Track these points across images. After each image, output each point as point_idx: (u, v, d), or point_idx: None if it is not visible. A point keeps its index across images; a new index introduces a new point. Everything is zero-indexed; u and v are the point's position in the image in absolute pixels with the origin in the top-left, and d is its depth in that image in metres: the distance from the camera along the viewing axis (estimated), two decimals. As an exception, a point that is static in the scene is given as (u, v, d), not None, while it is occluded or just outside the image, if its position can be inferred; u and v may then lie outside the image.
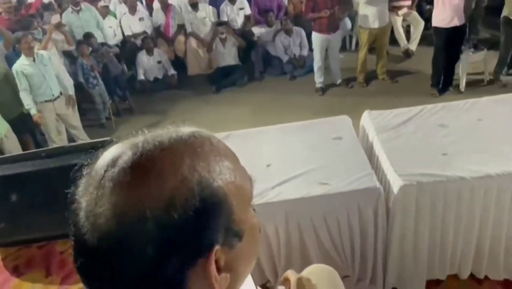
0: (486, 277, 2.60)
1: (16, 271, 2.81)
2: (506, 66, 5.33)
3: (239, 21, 6.79)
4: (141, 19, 6.70)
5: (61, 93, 4.72)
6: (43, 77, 4.53)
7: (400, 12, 6.21)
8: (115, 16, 6.83)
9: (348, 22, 6.59)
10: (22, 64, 4.49)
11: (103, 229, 0.52)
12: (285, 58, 6.42)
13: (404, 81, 5.82)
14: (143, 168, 0.53)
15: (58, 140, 4.78)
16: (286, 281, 1.25)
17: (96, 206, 0.53)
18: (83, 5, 6.26)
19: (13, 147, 4.43)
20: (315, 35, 5.57)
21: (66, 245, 2.19)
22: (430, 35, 5.32)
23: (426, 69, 5.37)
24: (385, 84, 5.79)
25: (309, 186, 2.54)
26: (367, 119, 2.98)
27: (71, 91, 4.90)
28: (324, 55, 5.66)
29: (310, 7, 5.38)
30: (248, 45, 6.55)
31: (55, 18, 6.22)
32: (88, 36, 5.77)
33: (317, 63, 5.70)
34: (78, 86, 5.45)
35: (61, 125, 4.85)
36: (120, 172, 0.53)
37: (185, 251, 0.53)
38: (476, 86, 5.31)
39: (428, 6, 6.53)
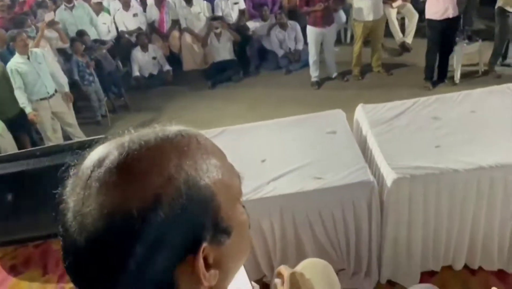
0: (480, 268, 2.63)
1: (14, 270, 2.83)
2: (501, 57, 5.34)
3: (233, 16, 6.77)
4: (135, 15, 6.67)
5: (56, 91, 4.71)
6: (38, 75, 4.51)
7: (395, 5, 6.20)
8: (108, 12, 6.79)
9: (342, 15, 6.58)
10: (16, 62, 4.48)
11: (90, 229, 0.52)
12: (280, 53, 6.41)
13: (400, 73, 5.82)
14: (129, 167, 0.54)
15: (54, 138, 4.78)
16: (279, 276, 1.26)
17: (83, 206, 0.53)
18: (76, 2, 6.22)
19: (9, 145, 4.43)
20: (309, 29, 5.56)
21: (62, 244, 2.19)
22: (425, 27, 5.32)
23: (421, 62, 5.36)
24: (380, 77, 5.79)
25: (304, 181, 2.55)
26: (361, 112, 2.98)
27: (67, 89, 4.90)
28: (319, 48, 5.65)
29: (305, 0, 5.37)
30: (243, 39, 6.54)
31: (49, 16, 6.20)
32: (81, 33, 5.74)
33: (312, 57, 5.70)
34: (72, 84, 5.45)
35: (57, 123, 4.84)
36: (106, 172, 0.54)
37: (173, 249, 0.53)
38: (471, 77, 5.31)
39: (422, -2, 6.52)
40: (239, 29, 6.63)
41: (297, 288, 1.19)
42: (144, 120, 5.60)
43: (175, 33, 6.76)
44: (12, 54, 4.67)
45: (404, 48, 6.30)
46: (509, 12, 4.87)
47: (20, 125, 4.74)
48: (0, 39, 5.30)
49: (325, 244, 2.60)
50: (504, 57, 5.38)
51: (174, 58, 6.76)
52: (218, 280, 0.59)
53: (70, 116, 4.94)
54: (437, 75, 5.26)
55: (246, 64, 6.55)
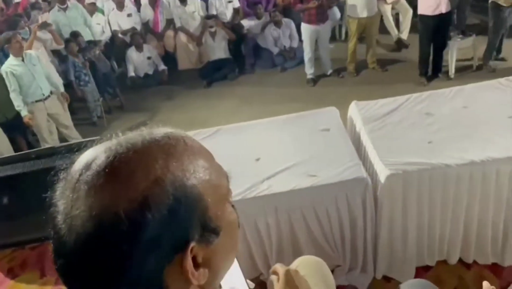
0: (474, 262, 2.64)
1: (11, 273, 2.84)
2: (495, 51, 5.35)
3: (228, 14, 6.77)
4: (129, 15, 6.67)
5: (51, 93, 4.71)
6: (33, 77, 4.51)
7: (389, 1, 6.20)
8: (102, 12, 6.79)
9: (337, 12, 6.58)
10: (11, 64, 4.47)
11: (79, 231, 0.53)
12: (275, 50, 6.41)
13: (395, 69, 5.83)
14: (116, 170, 0.55)
15: (50, 140, 4.78)
16: (274, 274, 1.28)
17: (72, 209, 0.54)
18: (70, 3, 6.21)
19: (4, 148, 4.44)
20: (304, 26, 5.56)
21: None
22: (419, 22, 5.33)
23: (416, 57, 5.37)
24: (375, 73, 5.80)
25: (298, 179, 2.57)
26: (354, 110, 3.00)
27: (62, 90, 4.90)
28: (314, 46, 5.66)
29: (299, -2, 5.38)
30: (238, 38, 6.54)
31: (44, 17, 6.19)
32: (75, 34, 5.73)
33: (307, 54, 5.70)
34: (68, 85, 5.45)
35: (52, 125, 4.84)
36: (94, 175, 0.55)
37: (161, 249, 0.54)
38: (465, 72, 5.33)
39: (416, -6, 6.52)
40: (234, 27, 6.64)
41: (292, 285, 1.21)
42: (140, 120, 5.61)
43: (170, 33, 6.76)
44: (6, 56, 4.66)
45: (401, 44, 6.30)
46: (502, 6, 4.88)
47: (16, 127, 4.75)
48: (-6, 41, 5.30)
49: (321, 241, 2.62)
50: (498, 51, 5.40)
51: (169, 58, 6.76)
52: (207, 278, 0.60)
53: (65, 118, 4.94)
54: (432, 70, 5.28)
55: (241, 62, 6.56)
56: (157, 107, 5.87)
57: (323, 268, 1.68)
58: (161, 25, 6.76)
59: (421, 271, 2.66)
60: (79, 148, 0.62)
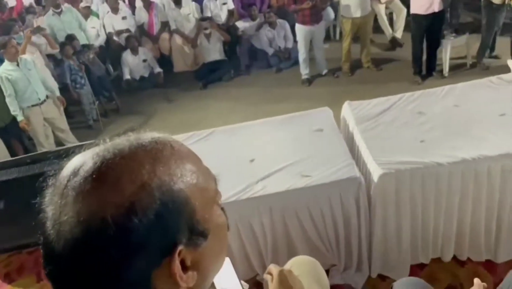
0: (468, 259, 2.66)
1: (8, 278, 2.85)
2: (488, 49, 5.38)
3: (222, 16, 6.78)
4: (124, 18, 6.67)
5: (47, 97, 4.72)
6: (28, 81, 4.51)
7: (383, 0, 6.23)
8: (97, 16, 6.79)
9: (331, 12, 6.60)
10: (6, 69, 4.47)
11: (68, 237, 0.54)
12: (270, 51, 6.43)
13: (389, 68, 5.86)
14: (103, 176, 0.56)
15: (46, 144, 4.78)
16: (269, 275, 1.29)
17: (60, 215, 0.55)
18: (64, 7, 6.21)
19: (1, 153, 4.44)
20: (298, 27, 5.59)
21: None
22: (413, 21, 5.34)
23: (410, 56, 5.39)
24: (370, 72, 5.82)
25: (292, 179, 2.58)
26: (347, 110, 3.02)
27: (58, 93, 4.90)
28: (308, 46, 5.68)
29: (292, -1, 5.40)
30: (233, 39, 6.56)
31: (38, 22, 6.20)
32: (70, 38, 5.74)
33: (302, 55, 5.72)
34: (63, 89, 5.45)
35: (48, 129, 4.85)
36: (81, 181, 0.56)
37: (149, 253, 0.55)
38: (460, 70, 5.36)
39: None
40: (228, 29, 6.65)
41: (285, 284, 1.22)
42: (136, 123, 5.62)
43: (165, 35, 6.77)
44: (1, 61, 4.67)
45: (395, 43, 6.33)
46: (495, 4, 4.91)
47: (12, 132, 4.75)
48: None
49: (316, 241, 2.63)
50: (492, 49, 5.42)
51: (164, 60, 6.76)
52: (196, 281, 0.61)
53: (62, 122, 4.94)
54: (426, 69, 5.30)
55: (236, 63, 6.57)
56: (153, 110, 5.88)
57: (317, 267, 1.70)
58: (156, 28, 6.77)
59: (416, 269, 2.68)
60: (67, 154, 0.64)
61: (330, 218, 2.57)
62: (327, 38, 6.61)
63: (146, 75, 6.50)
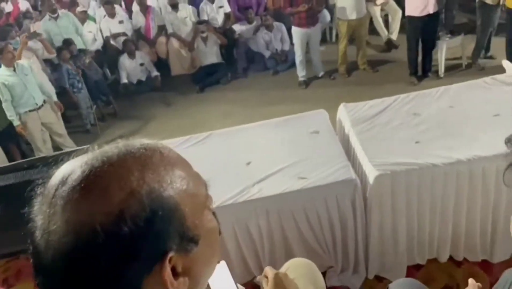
0: (464, 259, 2.67)
1: (6, 283, 2.85)
2: (483, 50, 5.40)
3: (219, 20, 6.80)
4: (121, 22, 6.67)
5: (44, 102, 4.72)
6: (25, 86, 4.51)
7: (378, 2, 6.25)
8: (94, 20, 6.79)
9: (327, 15, 6.62)
10: (2, 74, 4.47)
11: (56, 246, 0.54)
12: (267, 54, 6.45)
13: (385, 70, 5.88)
14: (91, 184, 0.56)
15: (44, 149, 4.78)
16: (264, 278, 1.30)
17: (49, 224, 0.55)
18: (61, 12, 6.22)
19: (-1, 158, 4.45)
20: (295, 30, 5.60)
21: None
22: (409, 23, 5.36)
23: (406, 57, 5.41)
24: (366, 74, 5.84)
25: (289, 181, 2.59)
26: (343, 112, 3.03)
27: (55, 98, 4.91)
28: (305, 48, 5.70)
29: (288, 1, 5.40)
30: (230, 42, 6.57)
31: (35, 27, 6.20)
32: (67, 42, 5.75)
33: (298, 57, 5.74)
34: (61, 93, 5.46)
35: (46, 133, 4.85)
36: (70, 190, 0.56)
37: (139, 261, 0.55)
38: (455, 71, 5.38)
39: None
40: (225, 32, 6.67)
41: (281, 287, 1.23)
42: (134, 127, 5.63)
43: (162, 39, 6.78)
44: (-2, 67, 4.67)
45: (391, 44, 6.35)
46: (490, 5, 4.94)
47: (9, 137, 4.75)
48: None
49: (312, 243, 2.64)
50: (487, 49, 5.45)
51: (161, 64, 6.77)
52: (188, 287, 0.61)
53: (59, 126, 4.94)
54: (422, 70, 5.33)
55: (233, 66, 6.59)
56: (151, 114, 5.88)
57: (313, 270, 1.70)
58: (153, 32, 6.78)
59: (412, 270, 2.69)
60: (56, 161, 0.63)
61: (327, 220, 2.58)
62: (323, 40, 6.63)
63: (143, 78, 6.50)
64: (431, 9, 4.77)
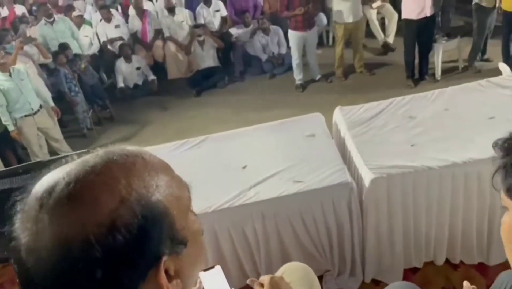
0: (461, 262, 2.67)
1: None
2: (480, 52, 5.42)
3: (216, 23, 6.81)
4: (117, 26, 6.68)
5: (41, 107, 4.70)
6: (20, 91, 4.48)
7: (374, 5, 6.27)
8: (90, 25, 6.79)
9: (324, 18, 6.65)
10: (-2, 79, 4.47)
11: (47, 262, 0.52)
12: (264, 57, 6.46)
13: (382, 73, 5.89)
14: (79, 196, 0.54)
15: (40, 154, 4.76)
16: (261, 285, 1.29)
17: (36, 242, 0.53)
18: (57, 16, 6.22)
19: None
20: (291, 33, 5.61)
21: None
22: (405, 26, 5.38)
23: (403, 61, 5.42)
24: (363, 77, 5.85)
25: (284, 185, 2.58)
26: (339, 115, 3.03)
27: (52, 103, 4.89)
28: (301, 52, 5.70)
29: (285, 5, 5.42)
30: (226, 46, 6.58)
31: (31, 31, 6.19)
32: (63, 47, 5.75)
33: (295, 61, 5.74)
34: (57, 98, 5.45)
35: (42, 138, 4.83)
36: (56, 203, 0.54)
37: (134, 268, 0.55)
38: (452, 74, 5.39)
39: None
40: (222, 36, 6.68)
41: (277, 290, 1.23)
42: (131, 131, 5.62)
43: (159, 43, 6.79)
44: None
45: (387, 48, 6.37)
46: (486, 8, 4.96)
47: (5, 141, 4.73)
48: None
49: (309, 247, 2.63)
50: (483, 52, 5.46)
51: (158, 68, 6.77)
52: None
53: (56, 131, 4.92)
54: (418, 73, 5.34)
55: (230, 70, 6.59)
56: (147, 118, 5.88)
57: (309, 274, 1.70)
58: (149, 36, 6.78)
59: (409, 273, 2.68)
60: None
61: (323, 224, 2.57)
62: (320, 43, 6.65)
63: (140, 82, 6.50)
64: (427, 12, 4.78)
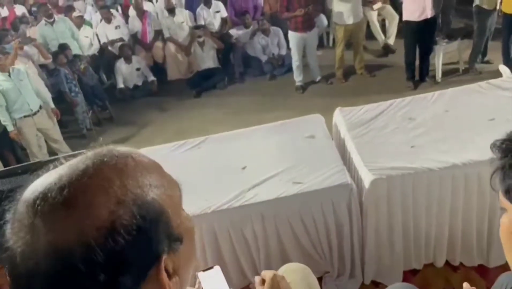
0: (461, 264, 2.66)
1: (-1, 289, 2.82)
2: (480, 54, 5.41)
3: (216, 24, 6.81)
4: (117, 27, 6.67)
5: (40, 107, 4.69)
6: (19, 92, 4.47)
7: (375, 7, 6.27)
8: (90, 25, 6.79)
9: (324, 20, 6.64)
10: (-4, 80, 4.46)
11: (47, 270, 0.51)
12: (264, 58, 6.45)
13: (382, 74, 5.88)
14: (74, 200, 0.53)
15: (39, 154, 4.75)
16: (258, 277, 1.29)
17: (33, 250, 0.52)
18: (57, 16, 6.21)
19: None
20: (291, 34, 5.61)
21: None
22: (406, 28, 5.38)
23: (403, 62, 5.42)
24: (363, 79, 5.84)
25: (284, 186, 2.58)
26: (339, 116, 3.03)
27: (52, 105, 4.88)
28: (301, 53, 5.69)
29: (285, 6, 5.42)
30: (226, 47, 6.58)
31: (31, 31, 6.18)
32: (63, 47, 5.74)
33: (295, 62, 5.73)
34: (58, 98, 5.44)
35: (41, 138, 4.82)
36: (51, 209, 0.53)
37: (136, 269, 0.54)
38: (452, 76, 5.39)
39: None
40: (222, 37, 6.68)
41: (277, 289, 1.23)
42: (130, 132, 5.61)
43: (159, 44, 6.79)
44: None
45: (388, 49, 6.36)
46: (486, 10, 4.96)
47: (4, 142, 4.73)
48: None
49: (308, 248, 2.62)
50: (484, 54, 5.46)
51: (158, 69, 6.77)
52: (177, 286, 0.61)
53: (55, 132, 4.91)
54: (419, 74, 5.33)
55: (230, 71, 6.59)
56: (147, 118, 5.87)
57: (308, 275, 1.70)
58: (149, 36, 6.78)
59: (409, 275, 2.67)
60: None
61: (323, 225, 2.56)
62: (321, 45, 6.64)
63: (139, 83, 6.49)
64: (428, 14, 4.77)
